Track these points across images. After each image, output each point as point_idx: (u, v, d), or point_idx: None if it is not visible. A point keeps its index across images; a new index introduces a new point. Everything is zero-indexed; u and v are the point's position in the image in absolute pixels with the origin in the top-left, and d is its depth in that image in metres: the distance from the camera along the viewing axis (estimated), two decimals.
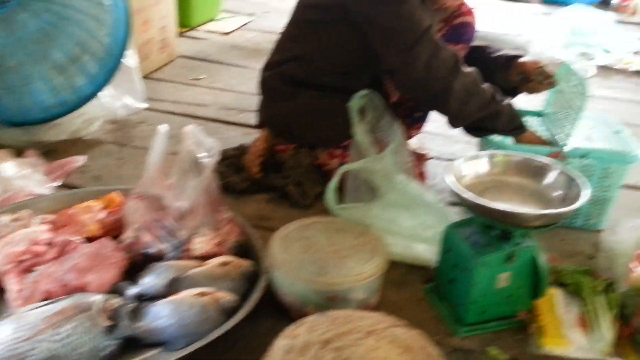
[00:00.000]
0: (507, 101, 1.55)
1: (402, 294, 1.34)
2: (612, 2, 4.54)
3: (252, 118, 1.93)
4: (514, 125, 1.54)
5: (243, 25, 3.35)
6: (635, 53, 3.31)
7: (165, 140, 1.34)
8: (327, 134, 1.68)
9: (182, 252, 1.27)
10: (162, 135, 1.34)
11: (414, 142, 1.98)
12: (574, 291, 1.32)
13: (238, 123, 2.15)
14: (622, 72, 3.07)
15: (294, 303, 1.20)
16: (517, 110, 1.56)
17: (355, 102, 1.53)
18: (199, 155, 1.30)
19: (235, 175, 1.68)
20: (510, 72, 1.67)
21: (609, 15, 3.82)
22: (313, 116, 1.66)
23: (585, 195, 1.14)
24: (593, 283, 1.31)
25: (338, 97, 1.57)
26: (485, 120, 1.51)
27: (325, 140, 1.70)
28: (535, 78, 1.63)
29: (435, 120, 1.98)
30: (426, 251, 1.39)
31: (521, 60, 1.66)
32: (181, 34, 2.99)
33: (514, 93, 1.68)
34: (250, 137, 1.94)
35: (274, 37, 1.81)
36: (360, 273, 1.18)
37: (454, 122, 1.57)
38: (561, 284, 1.35)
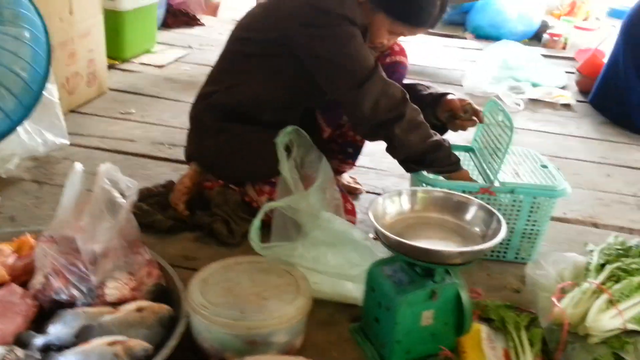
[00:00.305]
0: (444, 138, 1.57)
1: (329, 335, 1.31)
2: (543, 37, 4.76)
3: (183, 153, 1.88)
4: (450, 161, 1.55)
5: (179, 58, 3.32)
6: (563, 87, 3.45)
7: (80, 179, 1.28)
8: (256, 169, 1.66)
9: (95, 298, 1.20)
10: (77, 174, 1.28)
11: (346, 177, 1.99)
12: (499, 326, 1.32)
13: (168, 159, 2.09)
14: (551, 105, 3.18)
15: (213, 349, 1.15)
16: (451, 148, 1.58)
17: (282, 138, 1.51)
18: (114, 195, 1.25)
19: (160, 214, 1.62)
20: (439, 110, 1.69)
21: (539, 50, 4.00)
22: (242, 151, 1.64)
23: (503, 231, 1.15)
24: (517, 318, 1.32)
25: (268, 132, 1.55)
26: (426, 153, 1.52)
27: (253, 176, 1.68)
28: (462, 115, 1.66)
29: (368, 154, 2.00)
30: (354, 289, 1.37)
31: (449, 97, 1.69)
32: (113, 67, 2.93)
33: (442, 130, 1.71)
34: (180, 173, 1.89)
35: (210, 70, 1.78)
36: (282, 315, 1.15)
37: (394, 153, 1.57)
38: (486, 319, 1.35)
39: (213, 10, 4.57)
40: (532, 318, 1.33)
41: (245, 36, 1.63)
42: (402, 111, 1.48)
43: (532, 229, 1.60)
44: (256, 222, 1.32)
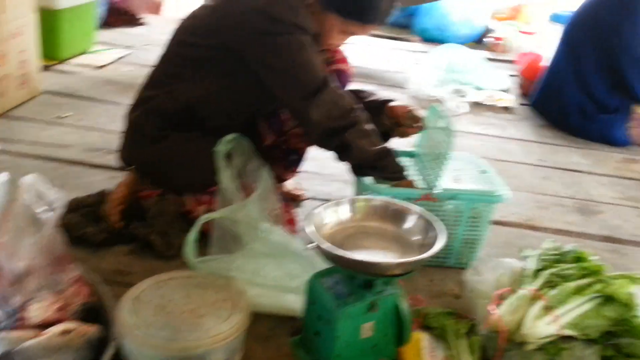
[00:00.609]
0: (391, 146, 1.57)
1: (269, 350, 1.28)
2: (485, 40, 4.86)
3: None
4: (398, 168, 1.56)
5: (119, 58, 3.21)
6: (506, 90, 3.53)
7: (5, 191, 1.20)
8: (195, 178, 1.61)
9: (17, 321, 1.13)
10: (0, 185, 1.20)
11: (290, 184, 1.96)
12: (440, 335, 1.33)
13: (105, 166, 2.01)
14: (492, 108, 3.24)
15: None
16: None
17: (222, 146, 1.47)
18: (38, 208, 1.18)
19: (92, 226, 1.55)
20: (382, 117, 1.69)
21: (482, 53, 4.07)
22: (182, 159, 1.59)
23: (442, 240, 1.15)
24: (457, 325, 1.32)
25: (207, 140, 1.50)
26: (377, 160, 1.52)
27: (192, 185, 1.63)
28: (405, 122, 1.66)
29: (313, 159, 1.98)
30: (294, 301, 1.34)
31: (391, 104, 1.69)
32: (48, 68, 2.80)
33: (386, 137, 1.71)
34: (116, 181, 1.82)
35: None
36: (218, 333, 1.11)
37: (345, 158, 1.56)
38: (427, 327, 1.35)
39: (156, 9, 4.46)
40: (472, 324, 1.34)
41: (189, 39, 1.58)
42: (354, 119, 1.48)
43: (472, 235, 1.62)
44: (191, 236, 1.28)
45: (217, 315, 1.15)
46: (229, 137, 1.49)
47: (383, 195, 1.51)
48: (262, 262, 1.32)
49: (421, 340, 1.31)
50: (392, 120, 1.68)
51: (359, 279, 1.17)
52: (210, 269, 1.27)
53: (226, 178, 1.44)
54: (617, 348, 1.15)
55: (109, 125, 2.33)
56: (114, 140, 2.14)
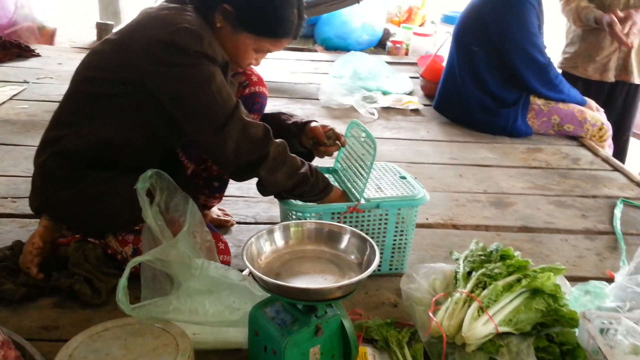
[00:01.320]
0: (312, 166, 1.58)
1: None
2: (386, 45, 5.01)
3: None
4: (319, 189, 1.57)
5: (14, 95, 3.01)
6: (410, 93, 3.66)
7: None
8: (117, 219, 1.54)
9: None
10: None
11: (215, 211, 1.93)
12: (383, 346, 1.35)
13: (13, 214, 1.88)
14: (402, 112, 3.35)
15: None
16: (321, 173, 1.59)
17: (142, 183, 1.42)
18: None
19: (10, 281, 1.45)
20: (303, 138, 1.71)
21: (384, 58, 4.20)
22: (99, 200, 1.51)
23: (377, 257, 1.17)
24: (398, 335, 1.35)
25: (125, 179, 1.45)
26: (295, 188, 1.53)
27: (114, 226, 1.56)
28: (326, 142, 1.69)
29: (235, 183, 1.96)
30: (238, 333, 1.32)
31: (312, 125, 1.71)
32: None
33: (309, 156, 1.72)
34: (29, 230, 1.72)
35: (53, 107, 1.61)
36: None
37: (263, 192, 1.56)
38: (370, 340, 1.37)
39: (48, 39, 4.25)
40: (412, 332, 1.38)
41: (94, 75, 1.51)
42: (266, 151, 1.46)
43: (400, 240, 1.67)
44: (122, 281, 1.22)
45: None
46: (148, 172, 1.44)
47: (308, 212, 1.53)
48: (199, 299, 1.29)
49: (366, 354, 1.34)
50: (314, 140, 1.70)
51: (301, 306, 1.17)
52: (146, 314, 1.23)
53: (150, 216, 1.39)
54: (550, 338, 1.22)
55: (11, 169, 2.18)
56: (20, 185, 2.04)
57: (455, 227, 2.06)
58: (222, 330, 1.32)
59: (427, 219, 2.07)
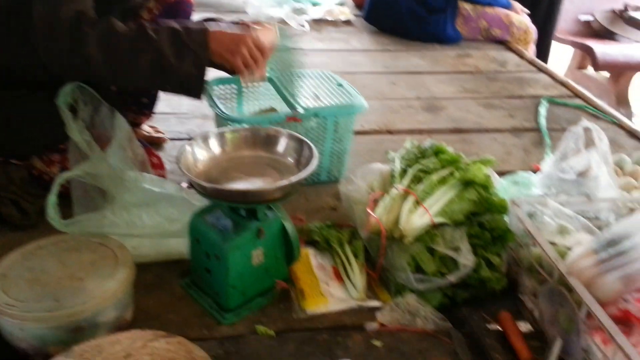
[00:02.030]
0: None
1: (161, 297, 1.24)
2: None
3: None
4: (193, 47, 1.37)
5: None
6: (341, 4, 3.57)
7: None
8: (39, 138, 1.45)
9: None
10: None
11: (146, 128, 1.86)
12: (325, 246, 1.38)
13: None
14: (333, 23, 3.28)
15: (32, 348, 1.02)
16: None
17: (63, 97, 1.33)
18: None
19: None
20: None
21: None
22: (18, 120, 1.42)
23: (316, 158, 1.17)
24: (339, 235, 1.38)
25: (45, 94, 1.35)
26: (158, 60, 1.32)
27: (37, 146, 1.47)
28: None
29: (165, 99, 1.89)
30: (178, 244, 1.31)
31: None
32: None
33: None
34: None
35: None
36: (104, 292, 1.06)
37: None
38: (312, 242, 1.40)
39: None
40: (352, 232, 1.41)
41: None
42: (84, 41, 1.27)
43: (339, 148, 1.67)
44: (51, 199, 1.17)
45: (98, 274, 1.09)
46: (69, 87, 1.35)
47: (246, 123, 1.50)
48: (136, 212, 1.26)
49: (308, 255, 1.36)
50: None
51: (242, 210, 1.16)
52: (81, 229, 1.19)
53: (75, 131, 1.32)
54: (482, 225, 1.28)
55: None
56: None
57: (390, 132, 2.09)
58: (162, 242, 1.31)
59: (362, 126, 2.07)
